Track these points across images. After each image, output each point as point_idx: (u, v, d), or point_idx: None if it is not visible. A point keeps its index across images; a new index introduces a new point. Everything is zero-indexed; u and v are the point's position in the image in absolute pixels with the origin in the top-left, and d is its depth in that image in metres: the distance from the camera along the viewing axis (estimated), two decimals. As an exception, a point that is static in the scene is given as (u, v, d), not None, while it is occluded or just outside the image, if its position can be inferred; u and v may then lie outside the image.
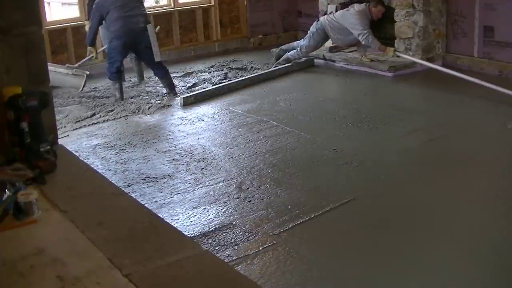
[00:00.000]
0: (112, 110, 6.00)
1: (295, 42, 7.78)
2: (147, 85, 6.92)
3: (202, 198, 3.98)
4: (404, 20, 7.23)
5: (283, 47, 7.77)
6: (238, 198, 3.96)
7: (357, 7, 7.12)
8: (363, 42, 7.04)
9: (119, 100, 6.23)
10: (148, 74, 7.16)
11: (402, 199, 3.93)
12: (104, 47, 6.74)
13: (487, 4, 6.71)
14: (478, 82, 6.06)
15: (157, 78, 6.67)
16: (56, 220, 2.00)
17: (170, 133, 5.35)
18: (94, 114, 5.89)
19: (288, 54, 7.54)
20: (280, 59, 7.57)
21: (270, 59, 7.85)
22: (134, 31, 6.20)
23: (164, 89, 6.55)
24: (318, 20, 7.49)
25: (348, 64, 7.45)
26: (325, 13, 7.81)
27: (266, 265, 3.16)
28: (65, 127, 5.50)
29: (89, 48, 6.52)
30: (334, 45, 7.88)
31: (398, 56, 7.07)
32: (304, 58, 7.64)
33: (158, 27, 7.12)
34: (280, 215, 3.69)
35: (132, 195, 3.75)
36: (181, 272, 1.71)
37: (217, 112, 5.89)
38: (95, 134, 5.36)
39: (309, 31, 7.50)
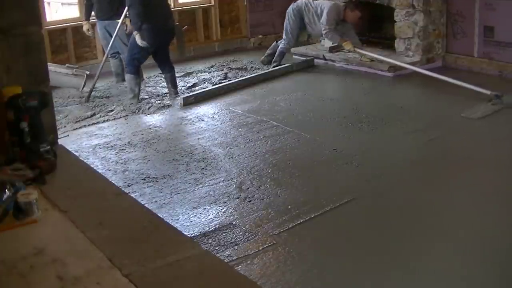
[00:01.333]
0: (112, 110, 6.01)
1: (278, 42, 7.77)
2: (147, 85, 6.91)
3: (202, 198, 3.98)
4: (404, 20, 7.23)
5: (269, 51, 7.76)
6: (238, 198, 3.96)
7: (335, 2, 7.27)
8: (323, 36, 7.26)
9: (136, 97, 6.20)
10: (148, 74, 7.18)
11: (402, 199, 3.93)
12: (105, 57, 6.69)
13: (487, 4, 6.71)
14: (448, 80, 6.26)
15: (162, 76, 6.69)
16: (56, 220, 2.00)
17: (170, 133, 5.35)
18: (94, 114, 5.90)
19: (279, 48, 7.55)
20: (275, 56, 7.57)
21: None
22: (167, 31, 6.23)
23: (166, 88, 6.54)
24: (295, 1, 7.54)
25: (348, 64, 7.45)
26: None
27: (266, 265, 3.16)
28: (65, 127, 5.50)
29: (139, 35, 6.03)
30: (334, 45, 7.89)
31: (354, 51, 7.21)
32: (304, 58, 7.66)
33: (186, 26, 7.18)
34: (280, 215, 3.69)
35: (132, 195, 3.75)
36: (181, 272, 1.71)
37: (217, 112, 5.89)
38: (95, 134, 5.36)
39: (288, 21, 7.56)
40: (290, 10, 7.52)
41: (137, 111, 5.99)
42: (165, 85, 6.65)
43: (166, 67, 6.42)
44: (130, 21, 6.23)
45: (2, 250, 1.81)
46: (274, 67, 7.46)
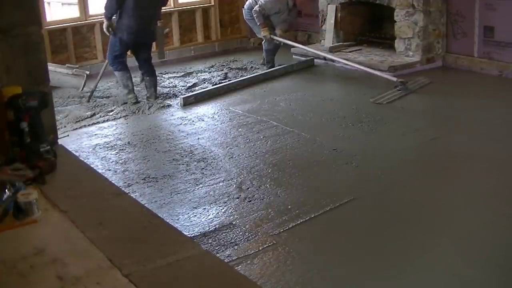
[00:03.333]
0: (112, 110, 6.00)
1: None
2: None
3: (202, 198, 3.98)
4: (404, 20, 7.23)
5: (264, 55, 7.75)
6: (238, 198, 3.96)
7: None
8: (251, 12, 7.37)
9: (131, 92, 6.15)
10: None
11: (402, 199, 3.93)
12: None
13: (487, 4, 6.71)
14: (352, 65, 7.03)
15: (161, 76, 6.61)
16: (56, 220, 2.00)
17: (170, 133, 5.35)
18: (94, 114, 5.89)
19: (265, 49, 7.52)
20: (266, 57, 7.55)
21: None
22: (146, 31, 6.16)
23: (166, 88, 6.51)
24: (243, 7, 7.55)
25: (348, 64, 7.44)
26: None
27: (266, 265, 3.16)
28: (65, 127, 5.50)
29: (107, 23, 6.08)
30: (334, 45, 7.90)
31: (273, 39, 7.38)
32: (304, 58, 7.65)
33: (168, 28, 7.12)
34: (280, 215, 3.69)
35: (132, 195, 3.75)
36: (181, 272, 1.71)
37: (217, 112, 5.89)
38: (95, 134, 5.36)
39: (250, 25, 7.61)
40: (245, 14, 7.54)
41: (137, 111, 5.99)
42: (166, 85, 6.62)
43: (148, 70, 6.35)
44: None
45: (2, 250, 1.81)
46: (270, 67, 7.43)
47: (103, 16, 6.21)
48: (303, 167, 4.45)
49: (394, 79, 6.43)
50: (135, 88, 6.68)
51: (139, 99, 6.23)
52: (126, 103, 6.14)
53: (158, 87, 6.74)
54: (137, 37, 6.10)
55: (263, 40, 7.57)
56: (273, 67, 7.44)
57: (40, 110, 2.37)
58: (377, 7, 7.75)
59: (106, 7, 6.09)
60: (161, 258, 1.76)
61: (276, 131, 5.23)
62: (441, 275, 3.03)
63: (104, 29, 6.20)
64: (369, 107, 5.83)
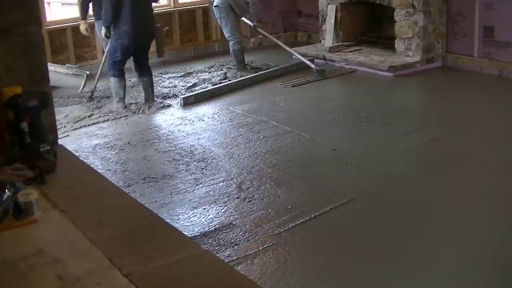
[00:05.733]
0: (112, 110, 6.00)
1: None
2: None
3: (202, 198, 3.98)
4: (404, 20, 7.23)
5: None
6: (238, 198, 3.96)
7: None
8: (249, 6, 7.45)
9: (122, 100, 6.05)
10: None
11: (402, 199, 3.93)
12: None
13: (487, 4, 6.71)
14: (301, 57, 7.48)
15: (161, 77, 6.63)
16: (56, 220, 2.00)
17: (170, 133, 5.35)
18: (93, 114, 5.89)
19: (234, 51, 7.45)
20: (236, 63, 7.47)
21: (270, 59, 7.89)
22: (146, 33, 6.09)
23: (165, 88, 6.50)
24: (215, 6, 7.36)
25: (348, 64, 7.45)
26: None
27: (266, 265, 3.16)
28: (65, 127, 5.50)
29: (105, 31, 6.00)
30: (334, 45, 7.90)
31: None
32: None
33: (167, 27, 7.10)
34: (280, 215, 3.69)
35: (132, 195, 3.75)
36: (181, 272, 1.71)
37: (217, 112, 5.89)
38: (95, 134, 5.36)
39: (217, 19, 7.49)
40: (218, 15, 7.35)
41: (137, 111, 5.99)
42: (166, 85, 6.60)
43: (145, 71, 6.26)
44: None
45: (2, 250, 1.81)
46: (244, 67, 7.39)
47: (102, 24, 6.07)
48: (303, 167, 4.45)
49: (313, 65, 7.19)
50: (133, 88, 6.70)
51: (126, 108, 6.09)
52: (112, 111, 5.98)
53: (158, 87, 6.75)
54: (138, 40, 6.01)
55: (230, 40, 7.43)
56: (246, 66, 7.45)
57: (40, 110, 2.36)
58: (377, 7, 7.75)
59: (104, 16, 5.96)
60: (161, 258, 1.76)
61: (276, 131, 5.23)
62: (442, 275, 3.03)
63: (103, 35, 6.09)
64: (369, 107, 5.84)
